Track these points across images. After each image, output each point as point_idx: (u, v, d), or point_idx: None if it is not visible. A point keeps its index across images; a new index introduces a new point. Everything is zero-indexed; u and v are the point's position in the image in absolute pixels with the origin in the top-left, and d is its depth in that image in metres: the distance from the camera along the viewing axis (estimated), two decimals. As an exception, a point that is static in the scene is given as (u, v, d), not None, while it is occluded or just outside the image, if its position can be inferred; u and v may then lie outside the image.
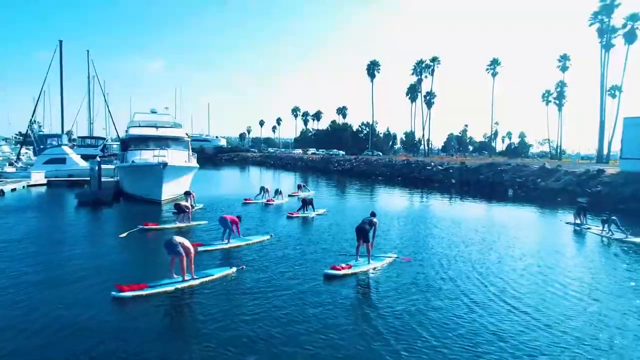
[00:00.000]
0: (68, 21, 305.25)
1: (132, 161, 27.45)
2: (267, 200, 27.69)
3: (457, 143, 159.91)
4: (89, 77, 55.01)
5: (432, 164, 53.52)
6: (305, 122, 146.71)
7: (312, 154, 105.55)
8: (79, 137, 58.33)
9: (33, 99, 63.43)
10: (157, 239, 16.00)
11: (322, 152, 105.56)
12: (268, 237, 17.05)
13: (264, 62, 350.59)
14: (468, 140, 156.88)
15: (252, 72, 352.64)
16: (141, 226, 18.14)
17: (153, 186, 26.20)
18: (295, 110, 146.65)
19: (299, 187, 35.08)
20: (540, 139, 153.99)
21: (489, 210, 30.61)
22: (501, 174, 42.02)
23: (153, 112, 35.88)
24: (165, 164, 25.07)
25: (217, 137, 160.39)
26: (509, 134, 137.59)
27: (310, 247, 16.02)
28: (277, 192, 29.17)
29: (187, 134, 34.74)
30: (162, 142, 29.79)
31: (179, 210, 19.09)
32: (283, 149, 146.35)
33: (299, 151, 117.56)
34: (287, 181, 56.85)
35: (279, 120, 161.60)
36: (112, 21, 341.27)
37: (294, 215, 22.31)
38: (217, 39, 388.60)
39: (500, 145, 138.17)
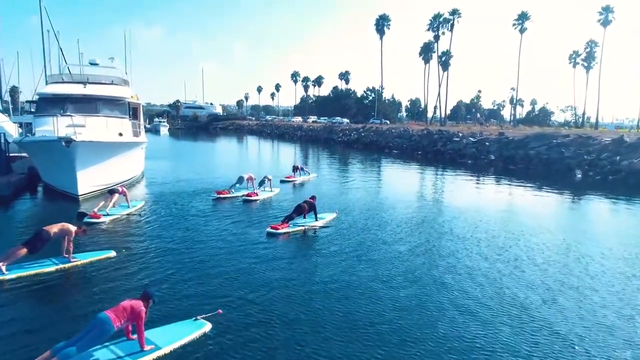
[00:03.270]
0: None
1: (34, 133, 17.76)
2: (247, 195, 18.15)
3: (466, 111, 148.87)
4: (42, 31, 44.29)
5: (460, 134, 43.61)
6: (306, 88, 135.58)
7: (313, 122, 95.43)
8: (27, 102, 47.61)
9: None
10: None
11: (324, 119, 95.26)
12: None
13: (263, 27, 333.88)
14: (478, 109, 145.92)
15: (250, 38, 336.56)
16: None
17: (63, 173, 16.75)
18: (294, 76, 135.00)
19: (295, 169, 25.30)
20: (562, 105, 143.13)
21: (555, 202, 21.18)
22: (559, 148, 32.25)
23: (92, 64, 25.87)
24: (69, 140, 15.47)
25: (211, 104, 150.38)
26: (532, 102, 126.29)
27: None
28: (263, 182, 19.58)
29: (135, 97, 24.87)
30: (88, 104, 19.99)
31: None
32: (282, 117, 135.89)
33: (298, 119, 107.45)
34: (283, 156, 47.03)
35: (277, 87, 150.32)
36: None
37: (279, 230, 12.80)
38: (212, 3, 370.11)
39: (508, 113, 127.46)
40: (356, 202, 18.47)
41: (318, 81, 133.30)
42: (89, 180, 17.23)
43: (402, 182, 26.23)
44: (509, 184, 26.49)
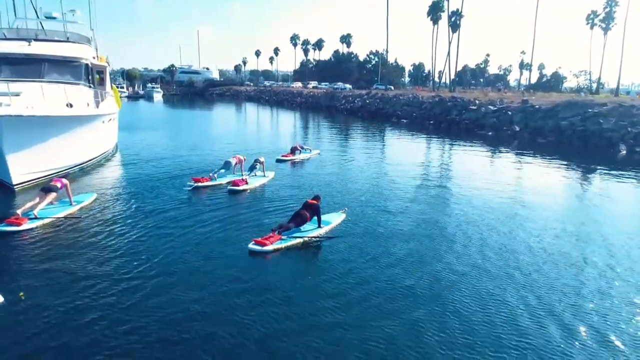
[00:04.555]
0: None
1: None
2: (233, 183, 14.20)
3: (471, 76, 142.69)
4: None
5: (477, 102, 39.26)
6: (306, 52, 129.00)
7: (313, 87, 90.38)
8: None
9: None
10: None
11: (325, 85, 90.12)
12: None
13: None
14: (485, 74, 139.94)
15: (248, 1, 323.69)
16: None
17: (-7, 157, 12.87)
18: (294, 39, 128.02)
19: (294, 150, 21.23)
20: (575, 70, 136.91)
21: (599, 184, 17.70)
22: (596, 119, 28.09)
23: (48, 17, 21.47)
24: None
25: (207, 68, 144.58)
26: (540, 66, 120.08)
27: None
28: (254, 167, 15.59)
29: (103, 58, 20.68)
30: (30, 66, 15.82)
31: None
32: (281, 82, 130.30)
33: (298, 84, 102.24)
34: (282, 127, 42.82)
35: (276, 51, 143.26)
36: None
37: (268, 246, 8.93)
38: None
39: (515, 78, 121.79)
40: (368, 190, 14.62)
41: (318, 45, 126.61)
42: (26, 165, 13.35)
43: (417, 160, 22.31)
44: (540, 161, 22.78)
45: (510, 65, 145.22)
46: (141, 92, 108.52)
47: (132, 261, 8.27)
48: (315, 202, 10.26)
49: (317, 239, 9.68)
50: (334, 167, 19.08)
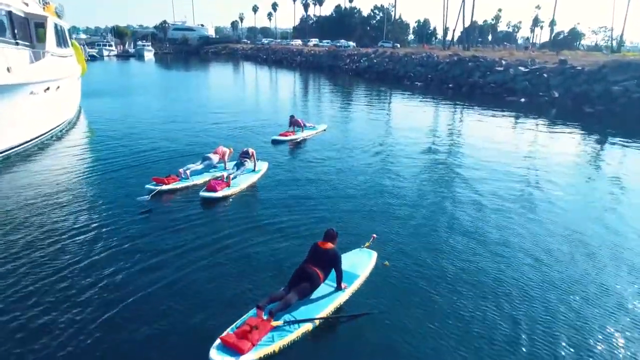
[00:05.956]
0: None
1: None
2: (209, 185, 9.79)
3: (479, 33, 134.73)
4: None
5: (504, 62, 34.17)
6: (306, 7, 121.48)
7: (314, 45, 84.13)
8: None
9: None
10: None
11: (327, 43, 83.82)
12: None
13: None
14: (495, 31, 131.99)
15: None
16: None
17: None
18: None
19: (294, 122, 16.60)
20: (595, 27, 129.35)
21: None
22: (657, 83, 23.36)
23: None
24: None
25: (202, 25, 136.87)
26: (552, 22, 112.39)
27: None
28: (242, 164, 10.97)
29: (50, 7, 15.90)
30: None
31: None
32: (280, 40, 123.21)
33: (297, 42, 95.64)
34: (281, 92, 37.85)
35: (274, 6, 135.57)
36: None
37: (243, 354, 4.70)
38: None
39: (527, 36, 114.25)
40: (397, 191, 10.29)
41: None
42: None
43: (444, 137, 17.82)
44: (589, 136, 18.88)
45: (520, 22, 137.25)
46: (131, 50, 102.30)
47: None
48: (329, 245, 5.86)
49: (340, 316, 5.51)
50: (346, 150, 14.64)
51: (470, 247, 7.61)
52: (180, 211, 8.93)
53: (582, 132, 19.58)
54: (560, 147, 16.45)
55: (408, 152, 14.62)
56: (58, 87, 15.29)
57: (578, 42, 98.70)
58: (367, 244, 7.14)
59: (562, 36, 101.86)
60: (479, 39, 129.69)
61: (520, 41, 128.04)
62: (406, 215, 9.03)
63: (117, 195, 9.69)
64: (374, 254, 6.88)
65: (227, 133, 16.80)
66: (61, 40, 17.13)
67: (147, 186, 9.81)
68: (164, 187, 9.81)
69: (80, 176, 11.05)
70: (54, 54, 15.48)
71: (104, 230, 7.89)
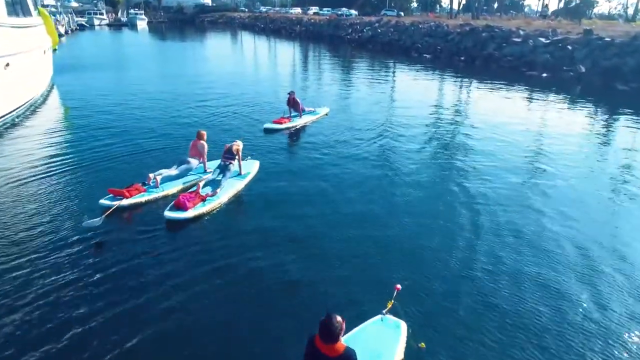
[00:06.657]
0: None
1: None
2: (177, 201, 7.53)
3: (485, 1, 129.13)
4: None
5: (522, 32, 31.33)
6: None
7: (315, 14, 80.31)
8: None
9: None
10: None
11: (328, 11, 79.91)
12: None
13: None
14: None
15: None
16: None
17: None
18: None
19: (291, 101, 14.11)
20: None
21: None
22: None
23: None
24: None
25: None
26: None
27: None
28: (227, 167, 8.56)
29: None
30: None
31: None
32: (278, 9, 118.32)
33: (297, 10, 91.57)
34: (280, 67, 35.07)
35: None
36: None
37: None
38: None
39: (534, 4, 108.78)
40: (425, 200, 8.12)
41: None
42: None
43: (466, 123, 15.48)
44: (623, 117, 16.69)
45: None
46: (124, 19, 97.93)
47: None
48: (336, 350, 3.39)
49: None
50: (351, 143, 12.34)
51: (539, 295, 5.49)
52: (143, 239, 6.77)
53: (615, 113, 17.36)
54: (598, 132, 14.20)
55: (425, 147, 12.38)
56: (7, 64, 12.92)
57: (590, 11, 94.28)
58: (388, 305, 4.96)
59: (574, 3, 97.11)
60: (484, 7, 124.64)
61: (526, 9, 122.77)
62: (435, 247, 6.88)
63: (59, 216, 7.48)
64: (403, 327, 4.74)
65: (210, 120, 14.45)
66: (17, 8, 14.59)
67: (101, 201, 7.61)
68: (124, 201, 7.62)
69: (12, 181, 8.84)
70: (4, 25, 13.00)
71: (22, 279, 5.74)
